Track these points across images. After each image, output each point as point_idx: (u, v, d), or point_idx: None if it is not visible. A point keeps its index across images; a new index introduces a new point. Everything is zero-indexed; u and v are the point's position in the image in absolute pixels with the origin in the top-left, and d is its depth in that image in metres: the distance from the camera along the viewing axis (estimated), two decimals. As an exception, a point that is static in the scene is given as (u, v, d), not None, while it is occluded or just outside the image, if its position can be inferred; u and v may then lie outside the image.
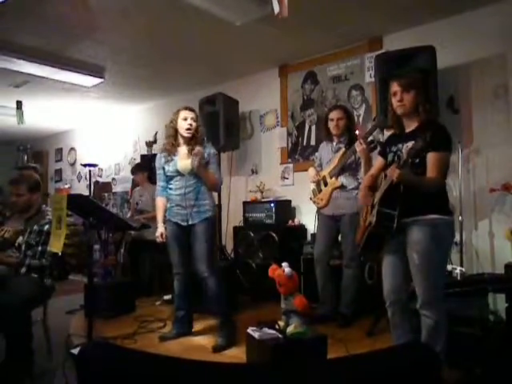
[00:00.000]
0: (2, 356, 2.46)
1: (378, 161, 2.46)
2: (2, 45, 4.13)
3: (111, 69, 4.97)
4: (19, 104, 5.82)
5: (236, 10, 3.50)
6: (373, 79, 4.08)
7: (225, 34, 4.04)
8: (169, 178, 3.18)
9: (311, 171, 3.68)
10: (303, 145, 4.91)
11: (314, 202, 3.66)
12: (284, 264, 2.66)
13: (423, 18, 3.86)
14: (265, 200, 4.82)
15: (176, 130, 3.14)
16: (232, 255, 4.76)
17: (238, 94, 5.13)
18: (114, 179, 7.30)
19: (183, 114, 3.13)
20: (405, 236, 2.17)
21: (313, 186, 3.68)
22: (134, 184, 5.85)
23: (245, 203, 4.89)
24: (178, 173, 3.11)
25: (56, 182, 8.66)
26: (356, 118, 4.40)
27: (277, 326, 2.57)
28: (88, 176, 5.72)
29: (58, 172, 8.64)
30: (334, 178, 3.50)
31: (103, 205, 6.39)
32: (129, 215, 5.51)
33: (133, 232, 4.82)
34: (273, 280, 2.67)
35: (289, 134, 5.03)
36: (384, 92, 3.48)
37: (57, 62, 4.58)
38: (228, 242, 4.98)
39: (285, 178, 5.02)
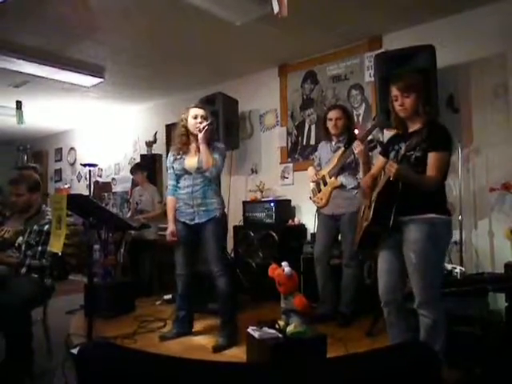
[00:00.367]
0: (2, 356, 2.46)
1: (378, 160, 2.46)
2: (1, 45, 4.13)
3: (111, 69, 4.96)
4: (19, 104, 5.83)
5: (236, 9, 3.50)
6: (372, 78, 4.08)
7: (224, 33, 4.04)
8: (177, 177, 3.17)
9: (311, 171, 3.68)
10: (303, 144, 4.91)
11: (314, 202, 3.66)
12: (284, 263, 2.67)
13: (423, 18, 3.86)
14: (265, 199, 4.82)
15: (186, 129, 3.11)
16: (232, 255, 4.77)
17: (237, 93, 5.13)
18: (113, 179, 7.30)
19: (193, 111, 3.09)
20: (401, 234, 2.17)
21: (312, 185, 3.68)
22: (134, 184, 5.85)
23: (245, 203, 4.89)
24: (186, 171, 3.10)
25: (56, 181, 8.66)
26: (356, 117, 4.40)
27: (277, 326, 2.57)
28: (88, 176, 5.71)
29: (58, 172, 8.64)
30: (333, 178, 3.50)
31: (103, 205, 6.39)
32: (129, 215, 5.51)
33: (133, 232, 4.82)
34: (273, 279, 2.67)
35: (288, 134, 5.03)
36: (384, 91, 3.48)
37: (57, 61, 4.58)
38: (228, 241, 4.97)
39: (285, 177, 5.02)
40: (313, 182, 3.66)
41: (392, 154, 2.27)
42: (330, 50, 4.60)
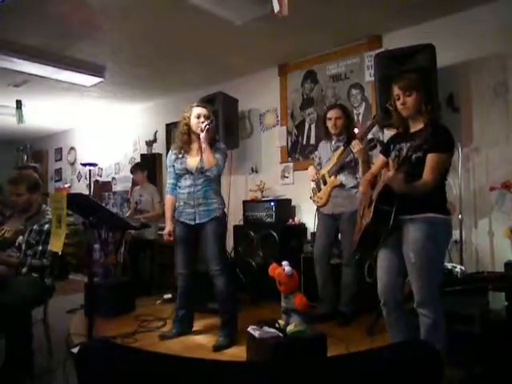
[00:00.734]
0: (3, 356, 2.46)
1: (379, 159, 2.46)
2: (1, 45, 4.13)
3: (111, 68, 4.96)
4: (19, 103, 5.83)
5: (236, 9, 3.50)
6: (372, 78, 4.07)
7: (225, 33, 4.04)
8: (178, 176, 3.15)
9: (311, 170, 3.68)
10: (303, 144, 4.91)
11: (314, 201, 3.66)
12: (284, 263, 2.67)
13: (423, 17, 3.86)
14: (265, 199, 4.82)
15: (189, 127, 3.09)
16: (232, 254, 4.77)
17: (237, 93, 5.13)
18: (113, 178, 7.30)
19: (196, 111, 3.08)
20: (401, 233, 2.17)
21: (312, 184, 3.68)
22: (134, 183, 5.85)
23: (245, 202, 4.89)
24: (187, 171, 3.08)
25: (56, 181, 8.66)
26: (356, 116, 4.40)
27: (277, 325, 2.57)
28: (88, 175, 5.72)
29: (58, 171, 8.64)
30: (333, 177, 3.50)
31: (103, 204, 6.39)
32: (128, 214, 5.51)
33: (133, 231, 4.82)
34: (273, 279, 2.67)
35: (288, 133, 5.03)
36: (384, 91, 3.49)
37: (57, 61, 4.58)
38: (228, 240, 4.97)
39: (285, 176, 5.02)
40: (313, 181, 3.66)
41: (393, 154, 2.27)
42: (330, 50, 4.60)
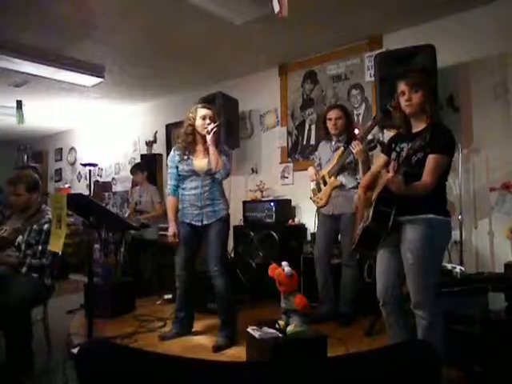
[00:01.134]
0: (2, 356, 2.46)
1: (380, 158, 2.45)
2: (2, 45, 4.13)
3: (111, 68, 4.97)
4: (19, 104, 5.83)
5: (236, 9, 3.50)
6: (373, 78, 4.08)
7: (224, 33, 4.04)
8: (182, 178, 3.11)
9: (311, 170, 3.68)
10: (303, 144, 4.91)
11: (314, 202, 3.66)
12: (284, 263, 2.67)
13: (423, 17, 3.86)
14: (265, 199, 4.82)
15: (194, 128, 3.07)
16: (232, 254, 4.77)
17: (237, 93, 5.13)
18: (113, 179, 7.30)
19: (202, 112, 3.05)
20: (400, 234, 2.17)
21: (312, 185, 3.68)
22: (134, 184, 5.85)
23: (245, 202, 4.89)
24: (194, 172, 3.05)
25: (56, 181, 8.66)
26: (356, 117, 4.40)
27: (277, 326, 2.57)
28: (88, 176, 5.72)
29: (58, 172, 8.64)
30: (333, 178, 3.50)
31: (103, 204, 6.40)
32: (127, 214, 5.51)
33: (133, 232, 4.82)
34: (273, 279, 2.67)
35: (289, 134, 5.03)
36: (384, 91, 3.49)
37: (57, 61, 4.57)
38: (228, 241, 4.98)
39: (285, 177, 5.02)
40: (313, 181, 3.66)
41: (393, 155, 2.26)
42: (331, 50, 4.60)
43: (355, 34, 4.23)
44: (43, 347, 2.86)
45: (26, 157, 8.93)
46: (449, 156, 2.12)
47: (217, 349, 2.93)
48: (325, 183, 3.56)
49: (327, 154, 3.61)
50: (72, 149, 8.32)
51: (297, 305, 2.55)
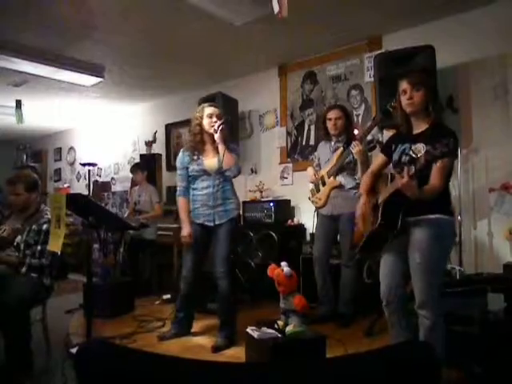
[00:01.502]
0: (1, 355, 2.46)
1: (379, 157, 2.45)
2: (1, 44, 4.12)
3: (111, 68, 4.96)
4: (18, 103, 5.83)
5: (235, 9, 3.50)
6: (372, 79, 4.08)
7: (224, 33, 4.04)
8: (192, 178, 3.09)
9: (310, 171, 3.68)
10: (302, 144, 4.91)
11: (313, 202, 3.66)
12: (283, 263, 2.67)
13: (423, 18, 3.87)
14: (264, 199, 4.83)
15: (201, 128, 3.06)
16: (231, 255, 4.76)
17: (237, 93, 5.13)
18: (113, 179, 7.30)
19: (208, 111, 3.04)
20: (407, 235, 2.17)
21: (311, 185, 3.68)
22: (133, 183, 5.85)
23: (244, 203, 4.88)
24: (205, 172, 3.04)
25: (55, 181, 8.66)
26: (355, 117, 4.40)
27: (276, 326, 2.57)
28: (87, 175, 5.72)
29: (57, 171, 8.63)
30: (332, 178, 3.49)
31: (102, 204, 6.39)
32: (126, 214, 5.51)
33: (132, 232, 4.82)
34: (272, 279, 2.67)
35: (288, 134, 5.03)
36: (383, 92, 3.49)
37: (57, 61, 4.57)
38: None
39: (284, 177, 5.02)
40: (312, 182, 3.66)
41: (397, 155, 2.25)
42: (330, 51, 4.60)
43: (355, 34, 4.23)
44: (42, 347, 2.85)
45: (25, 156, 8.93)
46: (454, 157, 2.12)
47: (216, 349, 2.92)
48: (324, 183, 3.55)
49: (326, 155, 3.61)
50: (71, 148, 8.32)
51: (296, 305, 2.55)
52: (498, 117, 3.60)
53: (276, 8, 2.77)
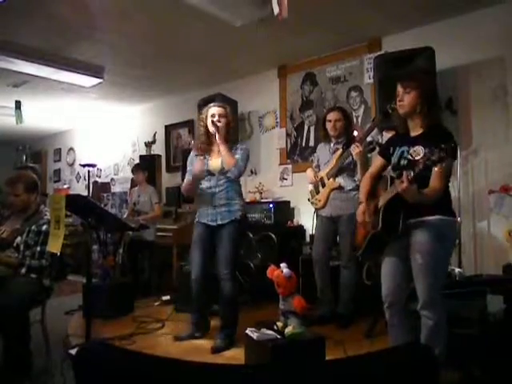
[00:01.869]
0: (1, 356, 2.46)
1: (377, 160, 2.45)
2: (1, 45, 4.12)
3: (110, 69, 4.96)
4: (18, 104, 5.83)
5: (236, 10, 3.50)
6: (372, 80, 4.08)
7: (224, 34, 4.04)
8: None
9: (309, 172, 3.68)
10: (302, 146, 4.91)
11: (312, 203, 3.66)
12: (282, 265, 2.66)
13: (422, 20, 3.87)
14: (264, 201, 4.82)
15: (206, 128, 3.06)
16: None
17: (237, 94, 5.13)
18: (112, 179, 7.29)
19: (212, 111, 3.05)
20: (408, 237, 2.17)
21: (311, 186, 3.68)
22: (133, 184, 5.84)
23: (244, 204, 4.88)
24: (209, 172, 3.06)
25: (55, 182, 8.66)
26: (355, 119, 4.40)
27: (275, 327, 2.57)
28: (87, 176, 5.71)
29: (57, 172, 8.63)
30: (331, 179, 3.50)
31: (102, 205, 6.39)
32: (125, 215, 5.50)
33: (131, 232, 4.82)
34: (271, 281, 2.67)
35: (288, 135, 5.03)
36: (383, 93, 3.49)
37: (56, 62, 4.57)
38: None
39: (284, 178, 5.02)
40: (311, 183, 3.66)
41: (395, 158, 2.25)
42: (330, 52, 4.61)
43: (354, 36, 4.23)
44: (41, 348, 2.84)
45: (24, 157, 8.93)
46: (453, 158, 2.12)
47: (215, 350, 2.92)
48: (323, 185, 3.55)
49: (326, 156, 3.61)
50: (71, 149, 8.32)
51: (295, 306, 2.55)
52: (497, 118, 3.60)
53: (276, 9, 2.78)
